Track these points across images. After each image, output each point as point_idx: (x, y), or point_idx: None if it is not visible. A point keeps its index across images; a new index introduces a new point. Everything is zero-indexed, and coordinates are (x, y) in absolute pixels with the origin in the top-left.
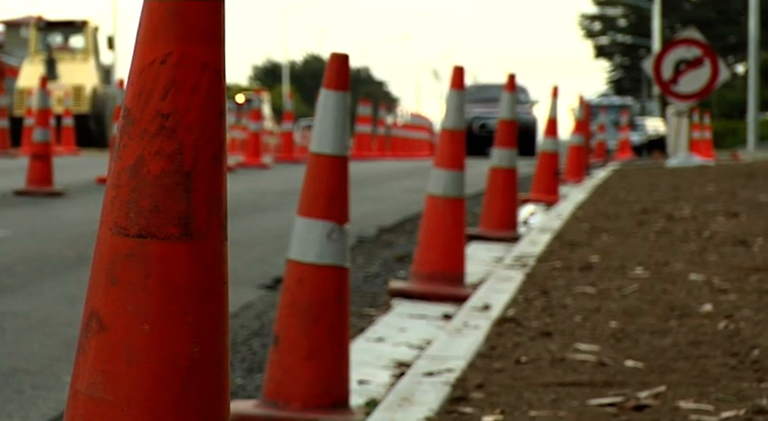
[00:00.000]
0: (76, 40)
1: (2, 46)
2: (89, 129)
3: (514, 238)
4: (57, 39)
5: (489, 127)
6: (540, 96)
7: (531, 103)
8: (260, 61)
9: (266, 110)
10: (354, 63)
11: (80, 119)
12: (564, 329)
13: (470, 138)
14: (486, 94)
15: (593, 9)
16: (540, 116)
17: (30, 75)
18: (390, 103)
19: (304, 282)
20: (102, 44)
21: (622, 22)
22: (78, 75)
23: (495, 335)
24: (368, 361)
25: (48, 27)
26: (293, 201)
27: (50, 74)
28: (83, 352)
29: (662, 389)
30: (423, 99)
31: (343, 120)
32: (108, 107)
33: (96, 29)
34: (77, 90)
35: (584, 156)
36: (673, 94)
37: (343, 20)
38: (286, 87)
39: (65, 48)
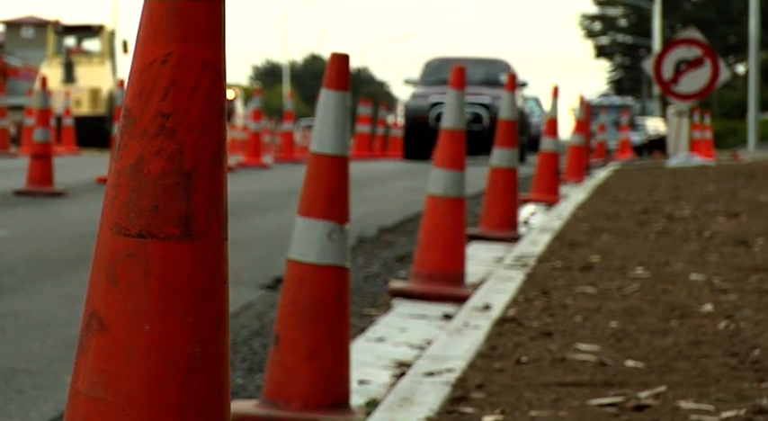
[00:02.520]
0: (93, 44)
1: (2, 46)
2: (105, 130)
3: (515, 238)
4: (73, 42)
5: None
6: (541, 96)
7: (516, 85)
8: (260, 61)
9: (239, 107)
10: (354, 63)
11: (97, 120)
12: (564, 329)
13: (425, 133)
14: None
15: (593, 9)
16: (530, 104)
17: (48, 77)
18: (391, 102)
19: (304, 282)
20: (118, 48)
21: (623, 22)
22: (95, 77)
23: (495, 335)
24: (368, 361)
25: (65, 31)
26: (293, 201)
27: (68, 77)
28: (83, 352)
29: (662, 389)
30: None
31: (344, 120)
32: None
33: (112, 33)
34: (94, 92)
35: (585, 156)
36: (673, 94)
37: (343, 20)
38: (286, 87)
39: (80, 51)
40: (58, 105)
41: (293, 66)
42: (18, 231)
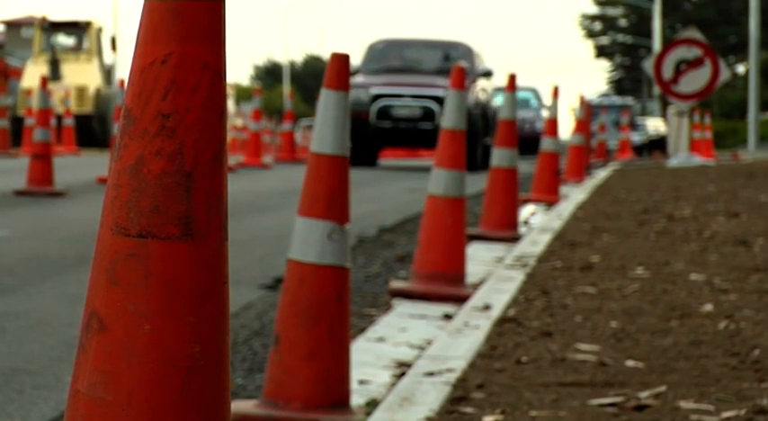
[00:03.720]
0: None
1: (2, 46)
2: (92, 129)
3: (515, 238)
4: (61, 40)
5: (395, 115)
6: (542, 95)
7: (477, 74)
8: (260, 61)
9: (230, 105)
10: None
11: (83, 119)
12: (564, 329)
13: (365, 132)
14: (400, 58)
15: (593, 9)
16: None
17: (33, 75)
18: None
19: (304, 282)
20: (106, 45)
21: (623, 22)
22: (82, 75)
23: (495, 335)
24: (368, 361)
25: (51, 28)
26: (293, 201)
27: (54, 74)
28: (83, 352)
29: (662, 389)
30: None
31: (344, 120)
32: (111, 107)
33: (100, 29)
34: (81, 90)
35: (585, 156)
36: (673, 94)
37: (343, 20)
38: (286, 87)
39: (72, 48)
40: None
41: (293, 66)
42: (18, 231)
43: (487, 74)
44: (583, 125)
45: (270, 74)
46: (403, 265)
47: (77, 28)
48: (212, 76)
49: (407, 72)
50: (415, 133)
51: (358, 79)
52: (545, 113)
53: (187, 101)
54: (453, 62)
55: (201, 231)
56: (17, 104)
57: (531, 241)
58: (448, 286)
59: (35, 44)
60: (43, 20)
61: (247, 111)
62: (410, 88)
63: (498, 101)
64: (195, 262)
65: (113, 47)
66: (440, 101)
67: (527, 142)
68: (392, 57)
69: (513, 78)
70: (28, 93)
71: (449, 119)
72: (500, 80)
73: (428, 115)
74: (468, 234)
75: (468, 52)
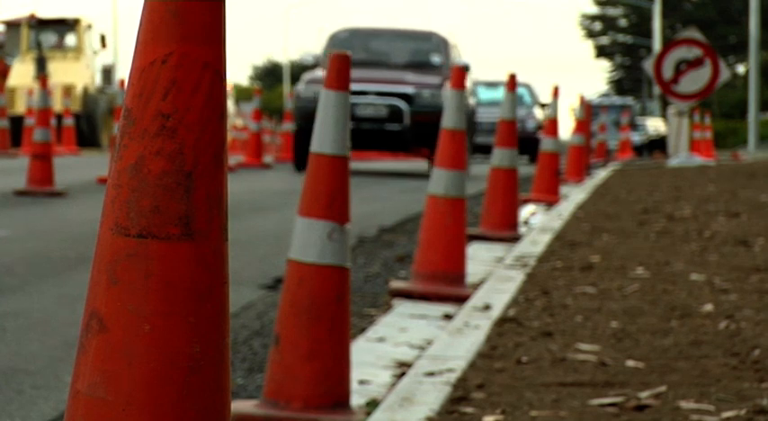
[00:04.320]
0: (68, 39)
1: (2, 46)
2: (80, 128)
3: (515, 238)
4: (50, 37)
5: (358, 114)
6: (542, 96)
7: (445, 72)
8: (260, 61)
9: (230, 106)
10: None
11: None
12: (565, 329)
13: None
14: (366, 50)
15: (593, 9)
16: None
17: (21, 73)
18: None
19: (305, 282)
20: (96, 42)
21: (623, 22)
22: (69, 73)
23: (495, 335)
24: (369, 361)
25: (40, 25)
26: (293, 201)
27: (41, 72)
28: (83, 352)
29: (663, 389)
30: None
31: (344, 120)
32: (100, 107)
33: (89, 27)
34: (68, 89)
35: (585, 156)
36: (673, 94)
37: (344, 20)
38: (286, 87)
39: (59, 46)
40: (34, 104)
41: (293, 66)
42: (18, 231)
43: (464, 68)
44: (583, 125)
45: (270, 74)
46: (403, 265)
47: (65, 25)
48: (213, 76)
49: (373, 66)
50: (381, 135)
51: (317, 73)
52: (537, 110)
53: (187, 101)
54: (426, 55)
55: (201, 231)
56: (6, 103)
57: (531, 241)
58: (448, 286)
59: (22, 42)
60: (31, 17)
61: (247, 111)
62: (375, 84)
63: (483, 97)
64: (195, 262)
65: (103, 44)
66: (409, 99)
67: (519, 142)
68: (356, 48)
69: (513, 78)
70: (15, 91)
71: (449, 119)
72: (499, 79)
73: (395, 115)
74: (468, 234)
75: (442, 44)
